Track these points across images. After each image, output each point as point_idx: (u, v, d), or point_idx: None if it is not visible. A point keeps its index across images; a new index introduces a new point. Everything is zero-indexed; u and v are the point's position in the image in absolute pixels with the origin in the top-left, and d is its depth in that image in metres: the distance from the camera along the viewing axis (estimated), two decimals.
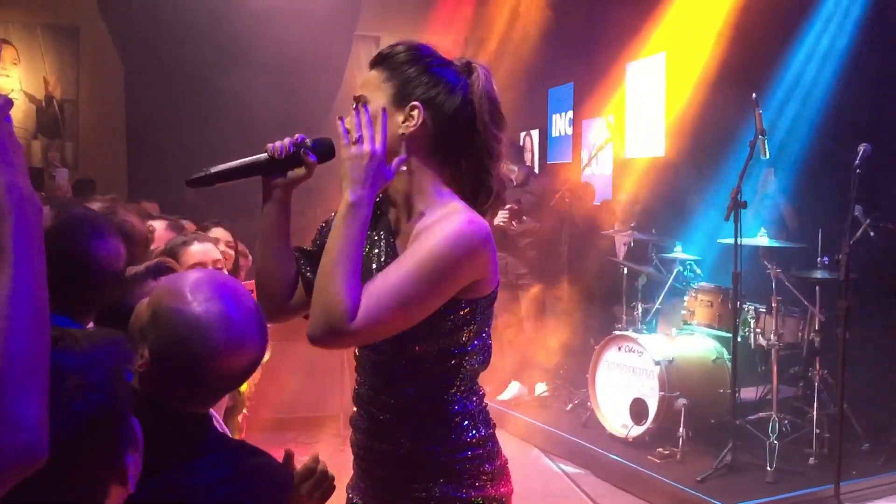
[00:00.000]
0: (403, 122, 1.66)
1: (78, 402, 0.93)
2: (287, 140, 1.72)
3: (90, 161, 8.14)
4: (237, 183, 1.74)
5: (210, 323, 1.36)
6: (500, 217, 6.05)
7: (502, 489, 1.77)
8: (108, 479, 1.00)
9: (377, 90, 1.68)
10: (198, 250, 2.41)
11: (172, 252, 2.36)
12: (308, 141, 1.73)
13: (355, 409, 1.82)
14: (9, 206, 0.91)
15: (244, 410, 2.38)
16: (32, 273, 0.91)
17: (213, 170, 1.69)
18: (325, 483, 1.68)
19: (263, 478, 1.43)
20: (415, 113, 1.65)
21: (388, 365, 1.71)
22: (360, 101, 1.67)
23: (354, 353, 1.83)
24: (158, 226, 2.88)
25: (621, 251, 6.26)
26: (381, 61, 1.71)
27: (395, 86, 1.67)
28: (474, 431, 1.73)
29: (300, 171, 1.73)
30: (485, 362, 1.77)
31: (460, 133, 1.70)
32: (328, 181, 1.78)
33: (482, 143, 1.71)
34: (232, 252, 3.38)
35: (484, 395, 1.80)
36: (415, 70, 1.68)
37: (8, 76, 8.24)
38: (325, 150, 1.73)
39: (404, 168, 1.67)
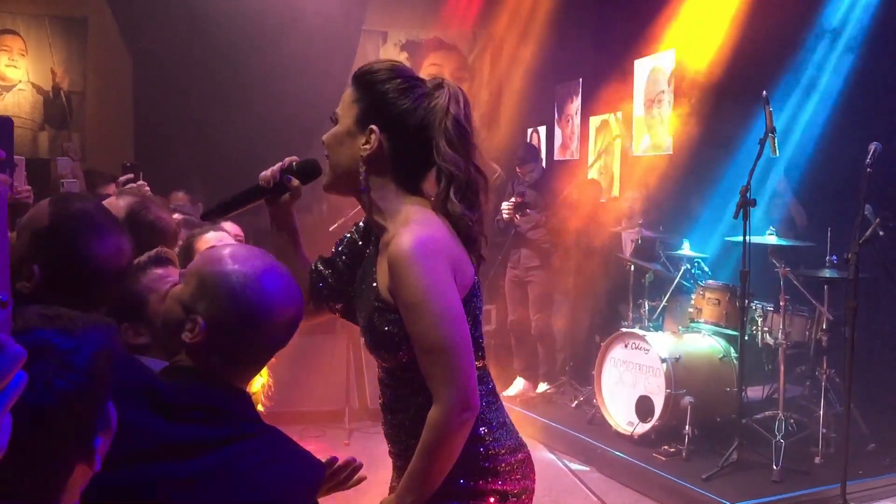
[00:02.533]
0: (363, 145, 1.74)
1: (59, 381, 0.97)
2: (276, 167, 1.86)
3: (97, 152, 8.13)
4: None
5: (257, 277, 1.45)
6: (504, 209, 6.11)
7: (507, 486, 1.77)
8: (75, 458, 1.02)
9: (348, 110, 1.78)
10: (212, 237, 2.45)
11: (188, 244, 2.39)
12: (294, 164, 1.86)
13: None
14: None
15: (259, 407, 2.38)
16: None
17: (219, 202, 1.88)
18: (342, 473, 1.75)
19: (304, 463, 1.48)
20: (372, 137, 1.73)
21: (386, 370, 1.82)
22: (334, 118, 1.80)
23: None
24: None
25: (628, 248, 6.24)
26: (356, 80, 1.79)
27: (360, 108, 1.75)
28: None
29: (287, 195, 1.87)
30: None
31: (419, 154, 1.75)
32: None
33: (441, 166, 1.72)
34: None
35: (486, 394, 1.80)
36: (380, 93, 1.74)
37: (16, 67, 8.24)
38: (308, 171, 1.87)
39: (365, 187, 1.75)
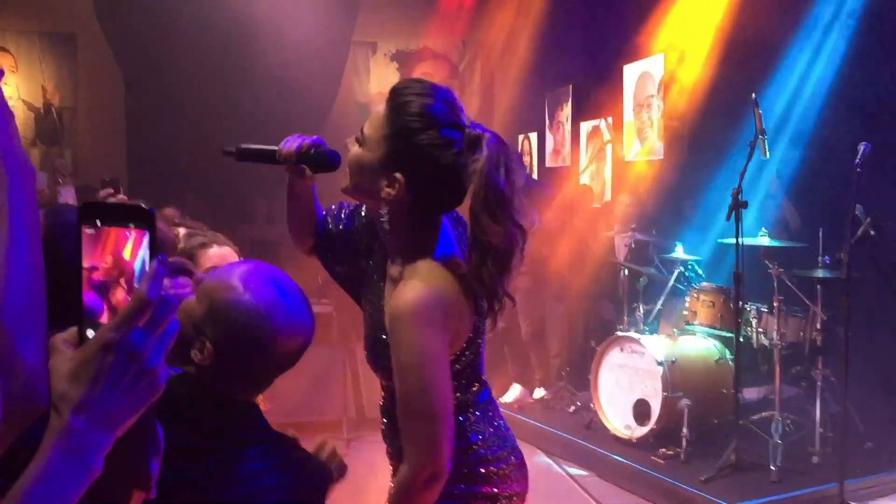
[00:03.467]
0: (386, 187, 1.65)
1: None
2: (297, 143, 1.83)
3: (89, 168, 8.13)
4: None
5: (267, 308, 1.44)
6: None
7: (498, 489, 1.81)
8: (132, 484, 0.99)
9: (376, 142, 1.67)
10: (216, 253, 2.37)
11: (190, 253, 2.32)
12: (313, 151, 1.84)
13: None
14: (5, 171, 0.93)
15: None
16: (29, 230, 0.94)
17: (242, 146, 1.89)
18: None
19: (310, 469, 1.49)
20: (395, 185, 1.64)
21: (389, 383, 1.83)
22: (360, 139, 1.70)
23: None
24: (180, 233, 2.86)
25: (622, 252, 6.25)
26: (390, 109, 1.66)
27: (391, 147, 1.64)
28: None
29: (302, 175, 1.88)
30: (468, 389, 1.82)
31: (444, 202, 1.71)
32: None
33: (478, 237, 1.61)
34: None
35: (482, 403, 1.84)
36: (414, 141, 1.62)
37: (6, 84, 8.24)
38: (323, 165, 1.86)
39: (384, 219, 1.71)
